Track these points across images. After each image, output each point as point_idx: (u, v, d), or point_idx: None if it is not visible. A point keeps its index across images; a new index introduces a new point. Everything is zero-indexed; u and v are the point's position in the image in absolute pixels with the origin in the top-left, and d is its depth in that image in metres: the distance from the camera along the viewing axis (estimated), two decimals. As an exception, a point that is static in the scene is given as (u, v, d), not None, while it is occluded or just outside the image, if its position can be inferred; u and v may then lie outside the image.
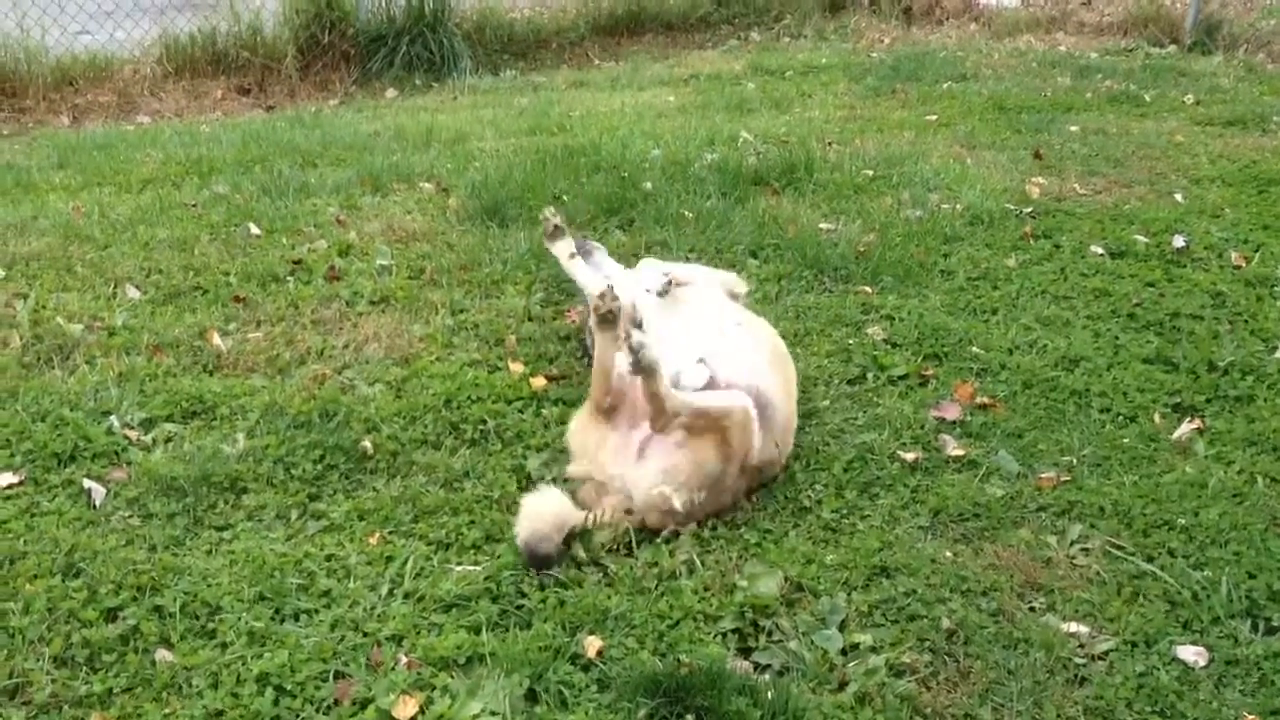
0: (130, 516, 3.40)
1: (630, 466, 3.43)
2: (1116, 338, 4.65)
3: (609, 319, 3.58)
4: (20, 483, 3.53)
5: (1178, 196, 6.33)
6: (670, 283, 4.09)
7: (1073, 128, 7.81)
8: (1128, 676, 2.90)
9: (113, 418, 3.86)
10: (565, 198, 6.06)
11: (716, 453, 3.41)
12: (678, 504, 3.36)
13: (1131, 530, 3.47)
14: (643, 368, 3.32)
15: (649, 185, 6.21)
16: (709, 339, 3.80)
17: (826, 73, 9.97)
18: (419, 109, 9.01)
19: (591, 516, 3.37)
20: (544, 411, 4.03)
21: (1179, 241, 5.58)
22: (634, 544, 3.35)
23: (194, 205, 6.05)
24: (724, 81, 9.77)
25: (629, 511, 3.40)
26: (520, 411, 4.03)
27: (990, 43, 11.36)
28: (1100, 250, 5.50)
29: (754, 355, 3.79)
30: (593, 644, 2.93)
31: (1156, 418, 4.10)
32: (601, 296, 3.58)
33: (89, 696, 2.73)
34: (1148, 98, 8.79)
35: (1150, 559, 3.35)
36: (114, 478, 3.57)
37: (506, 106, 8.94)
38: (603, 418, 3.59)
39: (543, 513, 3.30)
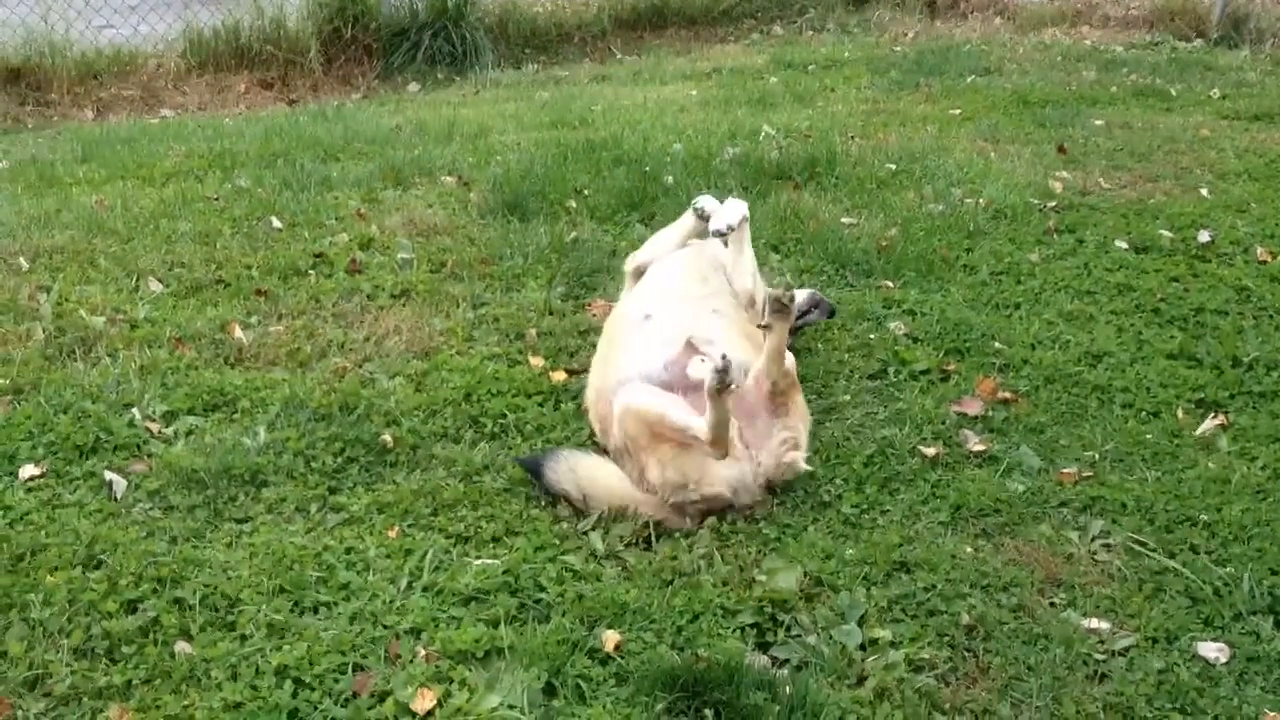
0: (151, 509, 3.42)
1: (752, 460, 3.50)
2: (1140, 333, 4.62)
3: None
4: (42, 475, 3.55)
5: (1203, 191, 6.28)
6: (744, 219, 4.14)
7: (1097, 122, 7.75)
8: (1148, 673, 2.88)
9: (134, 410, 3.88)
10: (587, 192, 6.05)
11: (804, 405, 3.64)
12: (804, 466, 3.55)
13: (1154, 526, 3.45)
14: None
15: (670, 179, 6.20)
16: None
17: (849, 67, 9.94)
18: (441, 103, 9.02)
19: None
20: (563, 405, 4.03)
21: (1204, 236, 5.53)
22: (653, 538, 3.35)
23: (216, 199, 6.07)
24: (746, 75, 9.75)
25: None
26: (540, 405, 4.03)
27: (1015, 36, 11.30)
28: (1124, 245, 5.46)
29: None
30: (611, 638, 2.93)
31: (1180, 413, 4.07)
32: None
33: (109, 688, 2.74)
34: (1173, 92, 8.72)
35: (1172, 555, 3.32)
36: (135, 470, 3.59)
37: (528, 100, 8.95)
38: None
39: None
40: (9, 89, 9.10)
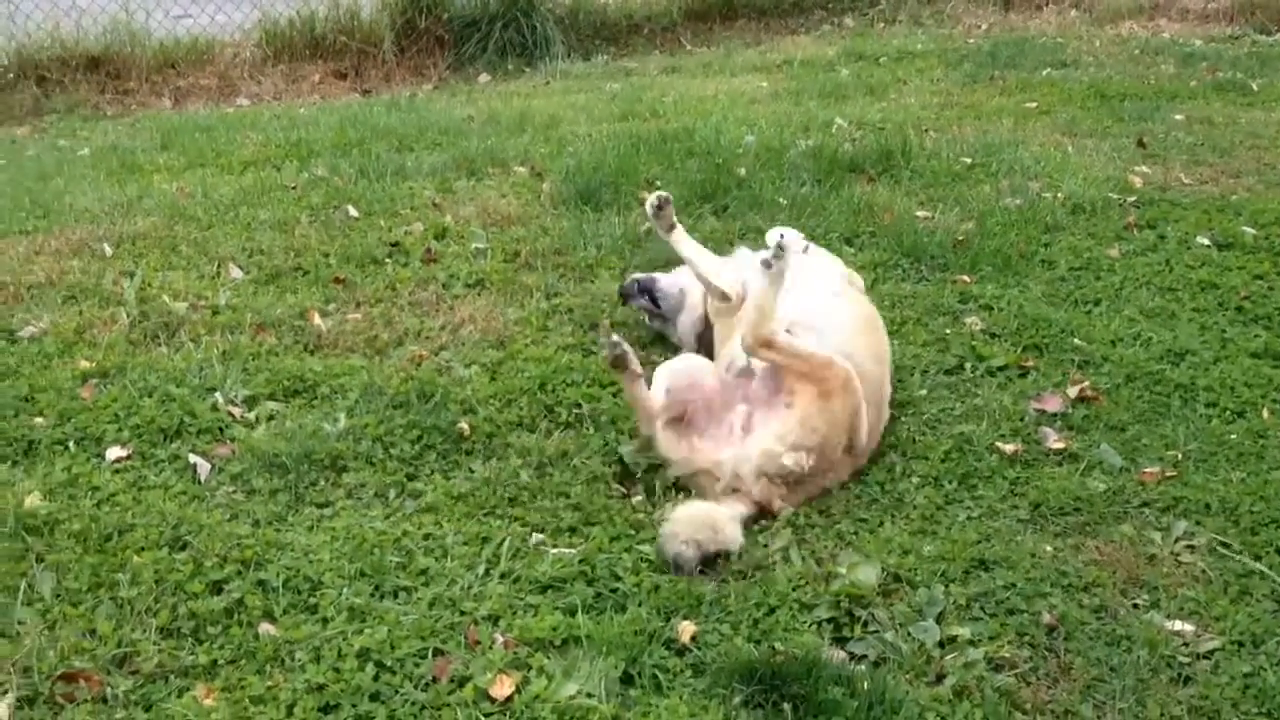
0: (234, 492, 3.47)
1: (738, 445, 3.47)
2: (1224, 331, 4.54)
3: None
4: (128, 456, 3.62)
5: (1287, 188, 6.16)
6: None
7: (1177, 116, 7.62)
8: (1234, 676, 2.83)
9: (217, 394, 3.94)
10: (659, 183, 6.05)
11: (820, 409, 3.43)
12: (789, 462, 3.39)
13: (1238, 528, 3.39)
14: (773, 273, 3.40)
15: (743, 171, 6.18)
16: (807, 300, 3.77)
17: (922, 59, 9.84)
18: (511, 94, 9.06)
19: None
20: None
21: (1289, 234, 5.43)
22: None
23: (294, 187, 6.14)
24: (818, 67, 9.69)
25: (736, 492, 3.44)
26: (614, 396, 4.02)
27: (1091, 29, 11.13)
28: (1206, 241, 5.36)
29: (846, 323, 3.79)
30: (687, 629, 2.93)
31: (1265, 413, 3.99)
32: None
33: (194, 667, 2.78)
34: (1255, 86, 8.55)
35: (1258, 557, 3.26)
36: (218, 453, 3.64)
37: (598, 91, 8.96)
38: (674, 430, 3.61)
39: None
40: (89, 77, 9.26)
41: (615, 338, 3.62)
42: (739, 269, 4.10)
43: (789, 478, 3.42)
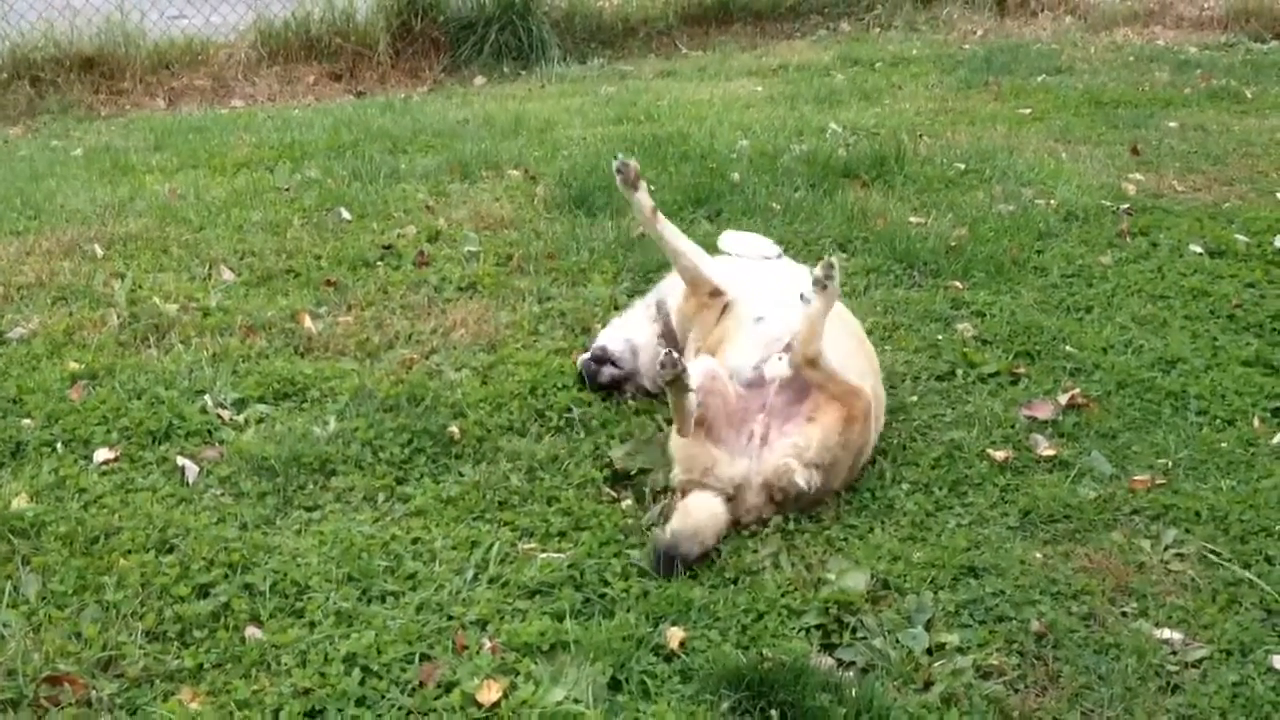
0: (222, 495, 3.46)
1: (754, 457, 3.43)
2: (1215, 339, 4.54)
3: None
4: (116, 459, 3.61)
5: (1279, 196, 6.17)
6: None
7: (1171, 124, 7.63)
8: (1222, 685, 2.83)
9: (206, 397, 3.93)
10: (653, 187, 6.02)
11: (840, 432, 3.41)
12: (801, 480, 3.36)
13: (1228, 536, 3.38)
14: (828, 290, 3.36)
15: (736, 176, 6.19)
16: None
17: (917, 64, 9.86)
18: (507, 97, 9.06)
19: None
20: (628, 400, 4.02)
21: (1280, 242, 5.44)
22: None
23: (287, 189, 6.14)
24: (813, 72, 9.70)
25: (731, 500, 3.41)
26: (604, 400, 4.03)
27: (1086, 36, 11.16)
28: (1199, 249, 5.37)
29: (842, 340, 3.68)
30: (675, 635, 2.92)
31: (1255, 422, 3.99)
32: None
33: (180, 671, 2.77)
34: (1249, 94, 8.57)
35: (1247, 565, 3.26)
36: (206, 456, 3.63)
37: (593, 95, 8.96)
38: (698, 434, 3.49)
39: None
40: (84, 77, 9.25)
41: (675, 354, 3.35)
42: (725, 264, 4.09)
43: (790, 496, 3.39)
